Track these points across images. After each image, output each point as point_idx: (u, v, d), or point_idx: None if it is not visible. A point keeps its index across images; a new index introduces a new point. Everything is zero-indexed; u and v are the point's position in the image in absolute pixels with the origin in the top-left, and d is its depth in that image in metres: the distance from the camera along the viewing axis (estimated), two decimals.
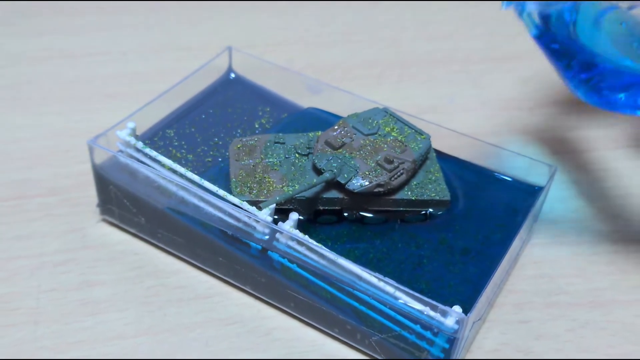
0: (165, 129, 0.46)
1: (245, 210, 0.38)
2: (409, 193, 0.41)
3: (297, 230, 0.38)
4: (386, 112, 0.43)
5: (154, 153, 0.41)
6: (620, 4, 0.39)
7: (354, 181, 0.39)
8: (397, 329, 0.36)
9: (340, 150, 0.41)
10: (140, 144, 0.42)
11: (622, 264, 0.44)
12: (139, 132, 0.43)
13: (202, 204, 0.40)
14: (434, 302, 0.34)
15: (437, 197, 0.41)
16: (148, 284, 0.41)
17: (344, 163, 0.40)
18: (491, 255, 0.39)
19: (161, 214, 0.41)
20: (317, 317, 0.39)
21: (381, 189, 0.40)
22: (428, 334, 0.35)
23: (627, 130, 0.54)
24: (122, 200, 0.42)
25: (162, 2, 0.68)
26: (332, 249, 0.37)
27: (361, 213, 0.41)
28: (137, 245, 0.43)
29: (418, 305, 0.35)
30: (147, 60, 0.60)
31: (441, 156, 0.45)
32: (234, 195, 0.39)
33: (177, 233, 0.41)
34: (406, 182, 0.41)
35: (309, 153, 0.42)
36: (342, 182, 0.39)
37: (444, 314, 0.34)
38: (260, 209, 0.38)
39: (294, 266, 0.37)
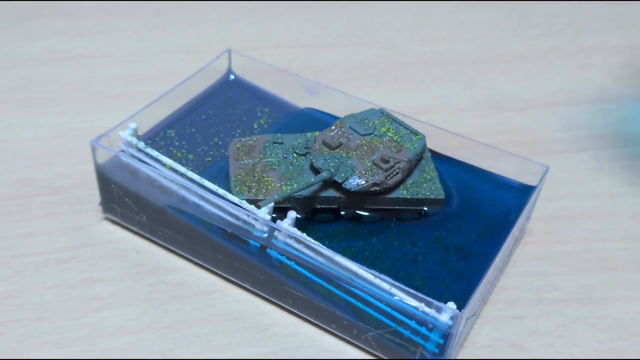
0: (166, 129, 0.46)
1: (244, 208, 0.39)
2: (405, 192, 0.41)
3: (295, 229, 0.38)
4: (382, 113, 0.44)
5: (155, 153, 0.42)
6: None
7: (350, 180, 0.40)
8: (393, 324, 0.36)
9: (337, 150, 0.41)
10: (141, 144, 0.42)
11: (611, 261, 0.44)
12: (140, 133, 0.43)
13: (202, 203, 0.40)
14: (429, 299, 0.35)
15: (432, 196, 0.41)
16: (149, 281, 0.41)
17: (340, 163, 0.40)
18: (485, 252, 0.40)
19: (162, 212, 0.41)
20: (314, 313, 0.39)
21: (377, 188, 0.40)
22: (423, 330, 0.35)
23: (617, 130, 0.55)
24: (124, 199, 0.43)
25: (164, 6, 0.68)
26: (329, 246, 0.37)
27: (358, 211, 0.41)
28: (139, 243, 0.44)
29: (413, 302, 0.35)
30: (149, 62, 0.60)
31: (436, 156, 0.45)
32: (233, 194, 0.40)
33: (177, 231, 0.41)
34: (402, 181, 0.41)
35: (307, 153, 0.42)
36: (339, 181, 0.40)
37: (439, 310, 0.35)
38: (259, 207, 0.38)
39: (292, 263, 0.38)
